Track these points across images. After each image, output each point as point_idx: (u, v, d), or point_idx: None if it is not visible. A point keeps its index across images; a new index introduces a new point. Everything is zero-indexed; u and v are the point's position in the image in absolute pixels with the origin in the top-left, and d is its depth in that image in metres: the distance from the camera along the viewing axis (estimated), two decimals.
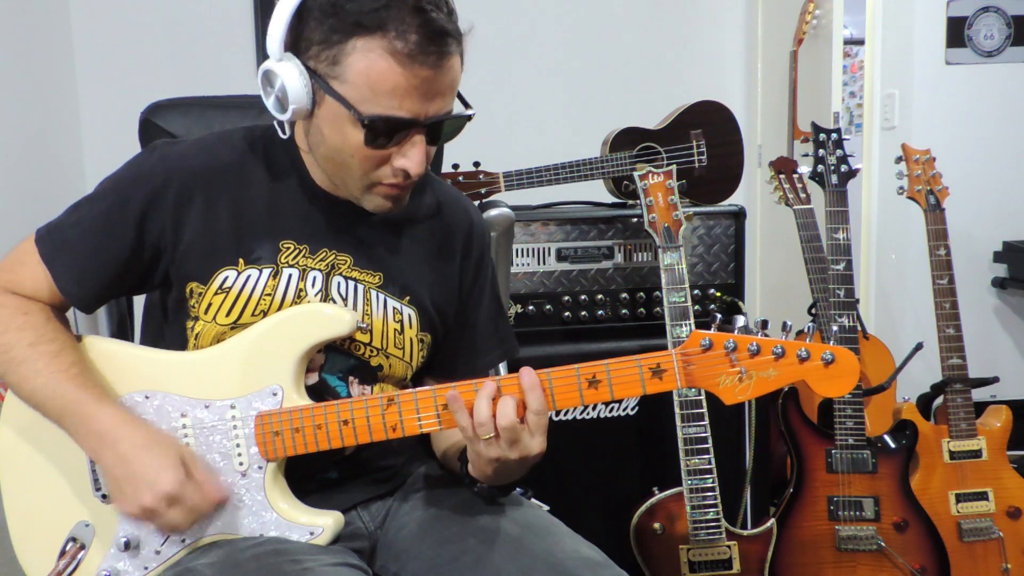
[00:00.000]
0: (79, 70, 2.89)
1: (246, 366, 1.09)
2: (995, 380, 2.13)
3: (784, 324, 1.04)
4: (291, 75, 1.04)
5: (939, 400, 2.06)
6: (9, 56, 2.38)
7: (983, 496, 1.99)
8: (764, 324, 1.03)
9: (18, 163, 2.37)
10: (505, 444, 1.02)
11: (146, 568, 1.09)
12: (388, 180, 1.09)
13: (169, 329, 1.16)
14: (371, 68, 1.00)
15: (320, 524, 1.09)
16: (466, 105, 1.12)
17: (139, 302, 1.29)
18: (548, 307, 2.06)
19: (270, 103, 1.08)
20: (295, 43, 1.05)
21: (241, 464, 1.08)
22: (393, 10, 0.99)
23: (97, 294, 1.14)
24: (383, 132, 1.04)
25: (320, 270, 1.14)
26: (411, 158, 1.06)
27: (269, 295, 1.12)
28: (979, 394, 2.06)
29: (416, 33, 0.99)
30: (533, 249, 2.05)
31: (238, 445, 1.08)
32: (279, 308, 1.12)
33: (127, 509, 1.03)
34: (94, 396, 1.05)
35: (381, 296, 1.17)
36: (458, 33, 1.04)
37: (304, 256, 1.14)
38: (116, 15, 2.89)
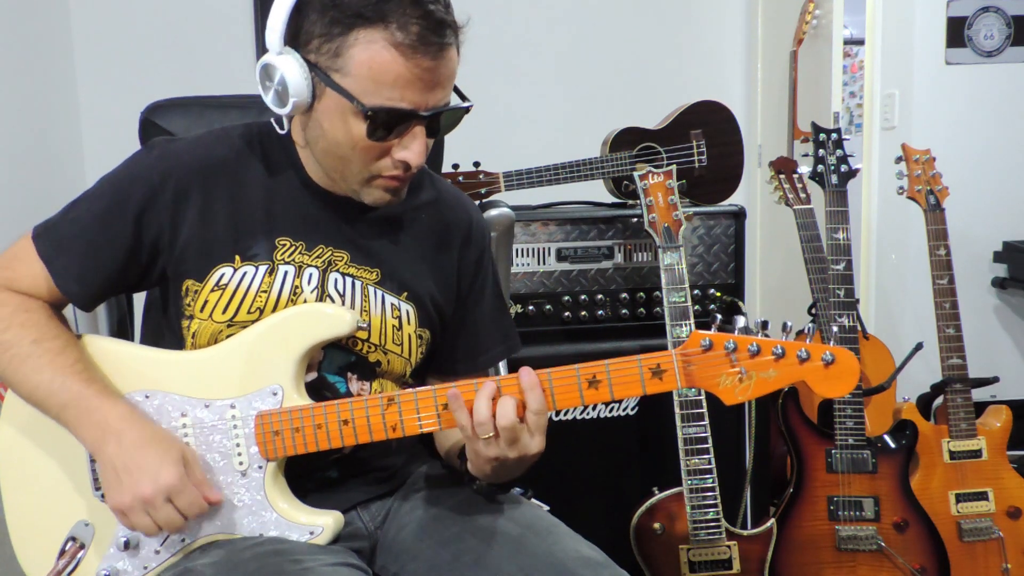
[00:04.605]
0: (79, 70, 2.90)
1: (246, 366, 1.09)
2: (995, 380, 2.13)
3: (784, 325, 1.04)
4: (291, 68, 1.04)
5: (939, 400, 2.06)
6: (9, 56, 2.38)
7: (983, 496, 1.99)
8: (764, 324, 1.03)
9: (18, 163, 2.38)
10: (504, 443, 1.02)
11: (146, 568, 1.08)
12: (388, 172, 1.10)
13: (169, 328, 1.16)
14: (373, 60, 1.01)
15: (320, 524, 1.09)
16: (463, 97, 1.13)
17: (139, 302, 1.29)
18: (548, 307, 2.06)
19: (269, 98, 1.08)
20: (294, 37, 1.06)
21: (241, 464, 1.08)
22: (393, 2, 1.00)
23: (96, 292, 1.14)
24: (385, 124, 1.04)
25: (316, 267, 1.14)
26: (412, 149, 1.07)
27: (265, 292, 1.12)
28: (979, 394, 2.06)
29: (418, 24, 1.00)
30: (533, 249, 2.05)
31: (238, 445, 1.08)
32: (275, 305, 1.12)
33: (121, 499, 1.02)
34: (98, 391, 1.06)
35: (379, 292, 1.17)
36: (456, 24, 1.05)
37: (300, 253, 1.14)
38: (116, 15, 2.90)
